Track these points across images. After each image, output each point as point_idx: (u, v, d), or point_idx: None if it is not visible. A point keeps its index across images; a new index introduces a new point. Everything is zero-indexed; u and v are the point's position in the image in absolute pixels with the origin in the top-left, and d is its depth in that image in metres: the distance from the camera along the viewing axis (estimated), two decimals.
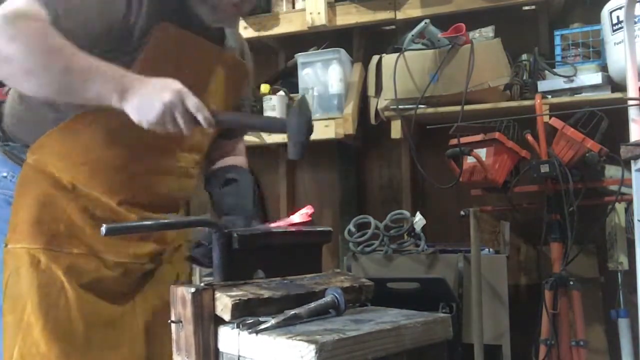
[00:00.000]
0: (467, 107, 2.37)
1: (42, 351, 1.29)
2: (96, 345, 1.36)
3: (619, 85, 2.23)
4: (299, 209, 1.35)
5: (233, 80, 1.56)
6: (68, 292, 1.33)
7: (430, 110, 2.48)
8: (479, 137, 2.33)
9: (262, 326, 1.02)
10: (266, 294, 1.12)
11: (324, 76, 2.75)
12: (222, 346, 1.09)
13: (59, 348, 1.30)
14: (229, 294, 1.08)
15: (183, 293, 1.10)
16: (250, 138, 2.78)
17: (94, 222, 1.36)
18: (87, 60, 1.19)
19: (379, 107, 2.69)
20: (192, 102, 1.20)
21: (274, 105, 2.77)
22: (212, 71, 1.50)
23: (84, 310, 1.35)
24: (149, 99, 1.18)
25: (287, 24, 2.83)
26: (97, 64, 1.19)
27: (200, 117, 1.22)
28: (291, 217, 1.34)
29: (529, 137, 2.25)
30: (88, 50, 1.21)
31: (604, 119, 2.10)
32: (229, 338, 1.07)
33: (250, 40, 2.98)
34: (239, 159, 1.68)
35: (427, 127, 2.32)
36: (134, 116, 1.20)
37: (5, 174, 1.39)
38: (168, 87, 1.20)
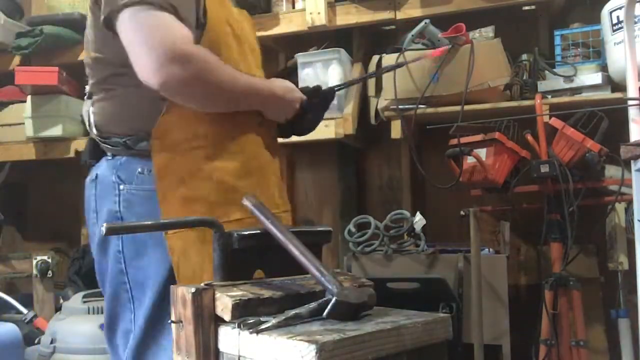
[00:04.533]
0: (467, 107, 2.37)
1: None
2: None
3: (619, 85, 2.24)
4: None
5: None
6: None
7: (430, 110, 2.49)
8: (479, 137, 2.34)
9: (263, 326, 1.02)
10: (266, 294, 1.12)
11: (324, 76, 2.75)
12: (222, 346, 1.09)
13: None
14: (229, 294, 1.08)
15: (183, 293, 1.10)
16: None
17: (232, 178, 1.43)
18: (246, 81, 1.43)
19: (379, 107, 2.69)
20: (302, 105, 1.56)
21: None
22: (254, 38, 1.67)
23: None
24: (284, 110, 1.53)
25: (287, 24, 2.83)
26: (251, 82, 1.45)
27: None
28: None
29: (529, 137, 2.25)
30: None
31: (604, 119, 2.11)
32: (229, 338, 1.07)
33: None
34: None
35: (427, 127, 2.32)
36: (270, 117, 1.52)
37: (140, 170, 1.41)
38: (296, 99, 1.55)
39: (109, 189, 1.44)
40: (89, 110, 1.53)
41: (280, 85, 1.52)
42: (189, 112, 1.39)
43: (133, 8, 1.28)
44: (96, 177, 1.49)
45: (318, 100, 1.61)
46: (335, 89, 1.68)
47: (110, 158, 1.46)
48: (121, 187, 1.42)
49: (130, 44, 1.30)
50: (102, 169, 1.47)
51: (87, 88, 1.55)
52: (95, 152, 1.51)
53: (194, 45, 1.32)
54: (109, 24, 1.33)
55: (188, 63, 1.28)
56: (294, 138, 2.69)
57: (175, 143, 1.39)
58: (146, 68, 1.28)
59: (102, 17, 1.33)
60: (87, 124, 1.58)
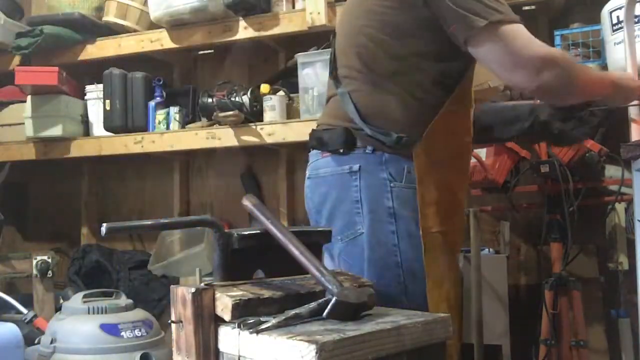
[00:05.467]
0: None
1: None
2: None
3: None
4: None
5: None
6: (450, 270, 1.51)
7: None
8: None
9: (263, 326, 1.02)
10: (266, 294, 1.12)
11: (324, 76, 2.74)
12: (222, 346, 1.09)
13: (456, 319, 1.50)
14: (229, 294, 1.08)
15: (183, 293, 1.10)
16: (249, 138, 2.79)
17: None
18: (594, 75, 1.63)
19: None
20: None
21: (273, 105, 2.77)
22: None
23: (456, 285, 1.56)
24: (625, 99, 1.68)
25: (287, 24, 2.82)
26: (595, 74, 1.67)
27: None
28: None
29: None
30: None
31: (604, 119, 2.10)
32: (229, 338, 1.07)
33: (250, 40, 3.01)
34: None
35: None
36: (611, 104, 1.72)
37: (405, 169, 1.49)
38: (635, 90, 1.65)
39: (379, 184, 1.49)
40: (344, 94, 1.55)
41: (619, 76, 1.69)
42: (450, 124, 1.52)
43: (504, 26, 1.42)
44: (359, 168, 1.51)
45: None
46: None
47: (370, 152, 1.51)
48: (392, 184, 1.48)
49: (500, 58, 1.44)
50: (365, 162, 1.51)
51: (347, 72, 1.58)
52: (348, 142, 1.53)
53: (551, 47, 1.52)
54: (465, 42, 1.45)
55: (556, 66, 1.45)
56: (294, 137, 2.72)
57: (434, 151, 1.49)
58: (525, 77, 1.44)
59: (461, 39, 1.44)
60: (341, 109, 1.57)
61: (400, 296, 1.46)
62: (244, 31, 2.88)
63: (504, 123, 1.83)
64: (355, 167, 1.50)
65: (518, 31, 1.43)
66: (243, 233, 1.23)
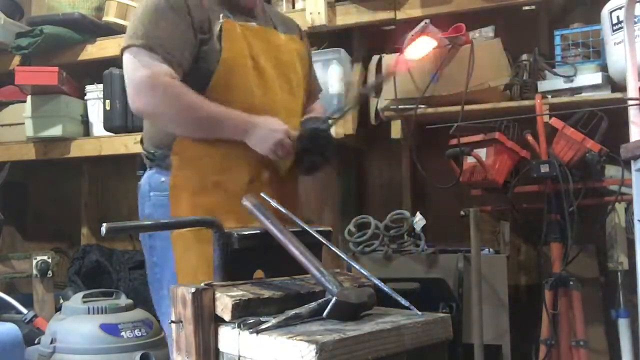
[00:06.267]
0: (467, 107, 2.37)
1: None
2: None
3: (619, 85, 2.23)
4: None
5: (303, 62, 1.87)
6: None
7: (430, 110, 2.48)
8: (479, 137, 2.34)
9: (263, 326, 1.02)
10: (266, 294, 1.12)
11: (324, 76, 2.75)
12: (222, 346, 1.09)
13: None
14: (229, 294, 1.08)
15: (183, 293, 1.10)
16: None
17: (232, 197, 1.57)
18: (216, 107, 1.59)
19: (379, 107, 2.69)
20: (291, 141, 1.62)
21: None
22: (293, 58, 1.81)
23: None
24: (265, 138, 1.61)
25: None
26: (223, 109, 1.59)
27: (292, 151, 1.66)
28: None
29: (529, 137, 2.25)
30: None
31: (604, 119, 2.11)
32: (229, 338, 1.07)
33: None
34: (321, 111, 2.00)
35: (427, 127, 2.32)
36: (254, 147, 1.62)
37: (163, 179, 1.66)
38: (278, 129, 1.61)
39: (143, 195, 1.71)
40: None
41: (264, 118, 1.64)
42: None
43: (128, 49, 1.60)
44: (140, 185, 1.74)
45: (311, 144, 1.70)
46: (322, 130, 1.73)
47: (146, 169, 1.73)
48: (151, 194, 1.68)
49: (125, 77, 1.62)
50: (143, 179, 1.74)
51: None
52: (142, 164, 1.77)
53: (166, 78, 1.56)
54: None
55: (156, 94, 1.56)
56: None
57: (189, 159, 1.64)
58: (129, 98, 1.61)
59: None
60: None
61: (161, 291, 1.63)
62: None
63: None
64: (143, 184, 1.73)
65: (133, 55, 1.58)
66: (243, 233, 1.23)
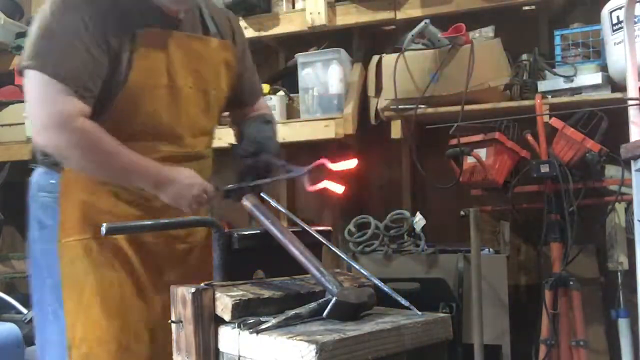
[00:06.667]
0: (467, 107, 2.36)
1: (103, 326, 1.46)
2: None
3: (619, 85, 2.23)
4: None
5: (230, 64, 1.71)
6: (119, 273, 1.50)
7: (430, 110, 2.48)
8: (479, 137, 2.34)
9: (263, 326, 1.02)
10: (266, 294, 1.12)
11: (324, 76, 2.75)
12: (222, 346, 1.09)
13: (117, 323, 1.47)
14: (229, 294, 1.08)
15: (183, 293, 1.10)
16: None
17: (125, 204, 1.54)
18: (130, 158, 1.45)
19: (379, 107, 2.69)
20: (209, 194, 1.49)
21: (273, 105, 2.77)
22: (218, 70, 1.66)
23: (133, 289, 1.52)
24: (180, 194, 1.47)
25: (287, 24, 2.83)
26: (138, 161, 1.46)
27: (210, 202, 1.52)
28: (332, 164, 1.36)
29: (529, 137, 2.25)
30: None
31: (604, 119, 2.11)
32: (229, 338, 1.07)
33: (250, 40, 2.99)
34: (266, 110, 1.87)
35: (427, 127, 2.32)
36: (169, 203, 1.48)
37: (53, 181, 1.55)
38: (194, 183, 1.48)
39: (32, 196, 1.62)
40: None
41: (179, 171, 1.49)
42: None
43: (34, 71, 1.42)
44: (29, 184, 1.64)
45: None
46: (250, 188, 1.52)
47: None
48: (40, 194, 1.59)
49: (28, 101, 1.46)
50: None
51: None
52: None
53: (82, 122, 1.42)
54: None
55: (69, 135, 1.41)
56: (294, 137, 2.72)
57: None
58: (34, 128, 1.48)
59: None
60: None
61: (46, 297, 1.55)
62: (244, 31, 2.88)
63: None
64: (33, 183, 1.63)
65: (42, 84, 1.41)
66: (243, 233, 1.23)
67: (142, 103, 1.50)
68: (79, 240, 1.49)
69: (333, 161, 1.38)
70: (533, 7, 2.61)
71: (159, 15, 1.53)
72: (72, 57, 1.41)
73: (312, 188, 1.34)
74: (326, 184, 1.35)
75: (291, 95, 2.86)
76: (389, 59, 2.55)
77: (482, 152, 2.31)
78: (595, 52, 2.38)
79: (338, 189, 1.36)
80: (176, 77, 1.55)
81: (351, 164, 1.35)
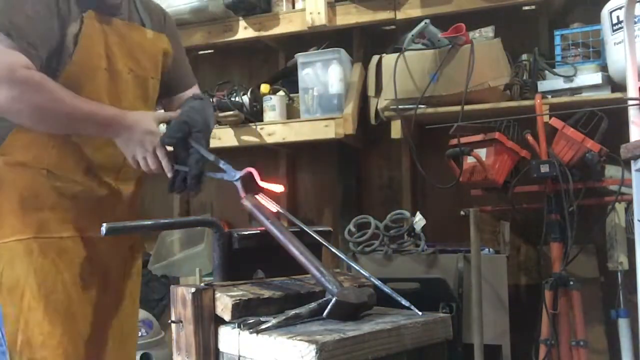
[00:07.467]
0: (467, 107, 2.36)
1: (46, 331, 1.40)
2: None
3: (619, 85, 2.24)
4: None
5: (166, 56, 1.73)
6: (64, 274, 1.45)
7: (430, 110, 2.48)
8: (479, 137, 2.33)
9: (263, 326, 1.02)
10: (266, 294, 1.12)
11: (324, 76, 2.75)
12: (222, 346, 1.09)
13: (62, 326, 1.42)
14: (229, 294, 1.08)
15: (183, 293, 1.10)
16: (249, 138, 2.79)
17: (68, 200, 1.50)
18: (85, 105, 1.41)
19: (379, 107, 2.69)
20: (161, 151, 1.44)
21: (273, 105, 2.77)
22: (156, 59, 1.68)
23: (79, 290, 1.48)
24: (133, 142, 1.45)
25: (287, 24, 2.83)
26: (92, 108, 1.43)
27: (163, 164, 1.46)
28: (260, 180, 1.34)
29: (529, 137, 2.25)
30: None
31: (604, 119, 2.11)
32: (229, 338, 1.07)
33: (250, 40, 3.02)
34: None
35: (427, 127, 2.32)
36: (123, 150, 1.46)
37: None
38: (154, 132, 1.45)
39: None
40: None
41: (136, 118, 1.47)
42: (35, 136, 1.47)
43: None
44: None
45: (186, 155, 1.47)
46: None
47: None
48: None
49: None
50: None
51: None
52: None
53: (25, 70, 1.36)
54: None
55: (12, 85, 1.34)
56: (294, 137, 2.72)
57: (18, 162, 1.48)
58: None
59: None
60: None
61: None
62: (244, 31, 2.88)
63: None
64: None
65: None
66: (243, 233, 1.23)
67: (84, 84, 1.48)
68: (19, 241, 1.43)
69: (262, 178, 1.37)
70: (533, 7, 2.61)
71: (101, 0, 1.54)
72: (18, 12, 1.39)
73: (245, 199, 1.31)
74: (265, 184, 1.34)
75: (291, 95, 2.86)
76: (389, 59, 2.55)
77: (482, 152, 2.31)
78: (595, 52, 2.39)
79: (277, 188, 1.35)
80: (115, 61, 1.55)
81: (277, 188, 1.35)
